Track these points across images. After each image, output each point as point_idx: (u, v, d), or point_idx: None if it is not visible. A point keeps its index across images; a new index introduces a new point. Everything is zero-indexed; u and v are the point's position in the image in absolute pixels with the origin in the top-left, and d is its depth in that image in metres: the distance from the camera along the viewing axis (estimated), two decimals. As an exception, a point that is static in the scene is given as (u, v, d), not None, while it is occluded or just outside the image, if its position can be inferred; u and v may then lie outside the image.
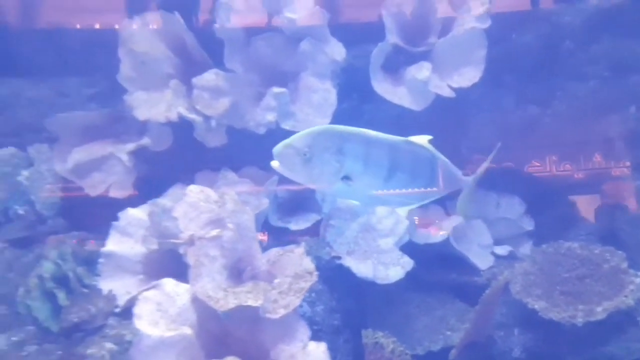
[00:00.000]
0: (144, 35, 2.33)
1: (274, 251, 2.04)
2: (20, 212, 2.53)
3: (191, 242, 1.69)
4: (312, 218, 2.52)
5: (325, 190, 1.73)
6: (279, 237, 2.50)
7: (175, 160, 2.61)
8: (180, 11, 2.37)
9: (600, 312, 2.02)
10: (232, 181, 2.40)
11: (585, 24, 2.70)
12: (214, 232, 1.72)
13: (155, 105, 2.35)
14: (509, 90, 2.76)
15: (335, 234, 2.48)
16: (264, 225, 2.49)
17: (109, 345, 1.66)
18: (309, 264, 1.94)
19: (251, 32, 2.50)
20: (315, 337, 1.74)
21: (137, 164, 2.48)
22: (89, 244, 2.37)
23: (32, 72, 2.71)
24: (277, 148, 1.54)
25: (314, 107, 2.37)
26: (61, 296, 2.01)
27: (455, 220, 2.60)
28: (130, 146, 2.38)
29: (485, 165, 1.89)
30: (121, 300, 2.05)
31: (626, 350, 2.09)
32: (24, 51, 2.68)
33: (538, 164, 2.86)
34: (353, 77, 2.57)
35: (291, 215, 2.59)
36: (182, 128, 2.48)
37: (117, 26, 2.58)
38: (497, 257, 2.61)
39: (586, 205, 2.90)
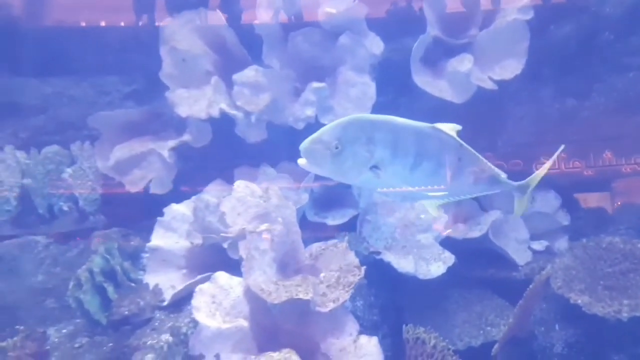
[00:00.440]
0: (185, 32, 2.36)
1: (316, 246, 2.06)
2: (65, 208, 2.59)
3: (242, 236, 1.71)
4: (349, 213, 2.52)
5: (352, 181, 1.60)
6: (314, 232, 2.51)
7: (212, 156, 2.63)
8: (220, 8, 2.39)
9: (646, 306, 1.99)
10: (271, 176, 2.42)
11: (625, 15, 2.65)
12: (264, 227, 1.73)
13: (196, 102, 2.37)
14: (547, 83, 2.72)
15: (371, 229, 2.48)
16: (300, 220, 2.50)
17: (165, 336, 1.70)
18: (353, 258, 1.96)
19: (289, 28, 2.51)
20: (355, 332, 1.74)
21: (176, 160, 2.50)
22: (132, 239, 2.42)
23: (74, 71, 2.77)
24: (304, 144, 1.47)
25: (352, 101, 2.37)
26: (110, 290, 2.06)
27: (493, 215, 2.58)
28: (172, 143, 2.41)
29: (544, 169, 1.72)
30: (167, 294, 2.08)
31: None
32: (65, 50, 2.73)
33: (575, 158, 2.82)
34: (389, 70, 2.57)
35: (327, 210, 2.60)
36: (218, 124, 2.52)
37: (156, 24, 2.63)
38: (534, 252, 2.58)
39: (625, 199, 2.86)
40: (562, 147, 1.78)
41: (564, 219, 2.71)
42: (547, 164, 1.75)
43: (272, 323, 1.75)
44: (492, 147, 2.67)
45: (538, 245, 2.61)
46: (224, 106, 2.29)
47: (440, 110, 2.51)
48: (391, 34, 2.59)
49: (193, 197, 2.22)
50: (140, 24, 2.80)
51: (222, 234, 1.90)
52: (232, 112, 2.30)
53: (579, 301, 2.14)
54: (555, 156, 1.80)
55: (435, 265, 2.29)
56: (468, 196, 1.71)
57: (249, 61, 2.48)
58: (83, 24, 2.84)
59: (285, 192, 2.34)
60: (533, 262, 2.50)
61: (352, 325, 1.72)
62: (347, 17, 2.36)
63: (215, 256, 2.20)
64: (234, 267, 2.14)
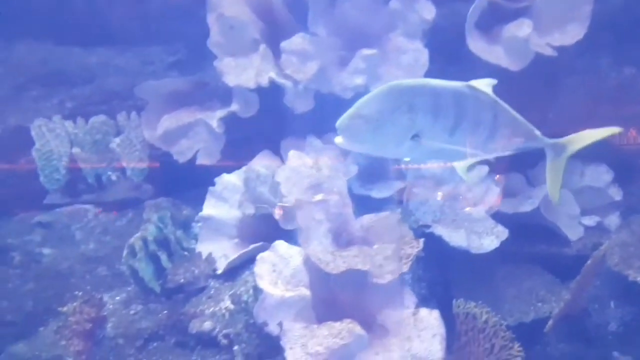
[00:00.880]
0: (233, -1, 2.30)
1: (367, 217, 2.02)
2: (113, 177, 2.61)
3: (298, 206, 1.69)
4: (395, 186, 2.47)
5: (392, 154, 1.54)
6: (358, 204, 2.48)
7: (256, 127, 2.61)
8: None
9: None
10: (318, 148, 2.37)
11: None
12: (319, 197, 1.71)
13: (244, 71, 2.33)
14: (604, 51, 2.59)
15: (418, 202, 2.43)
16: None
17: (225, 304, 1.70)
18: (406, 230, 1.93)
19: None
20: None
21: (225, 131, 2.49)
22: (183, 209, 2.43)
23: (117, 40, 2.75)
24: (342, 122, 1.37)
25: (403, 69, 2.30)
26: (164, 258, 2.08)
27: (545, 188, 2.50)
28: (220, 113, 2.39)
29: (589, 136, 1.56)
30: (219, 263, 2.09)
31: None
32: (109, 20, 2.71)
33: (633, 131, 2.69)
34: (437, 37, 2.48)
35: (372, 182, 2.56)
36: (263, 94, 2.48)
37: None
38: (585, 227, 2.50)
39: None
40: (619, 129, 1.62)
41: (616, 194, 2.60)
42: (595, 133, 1.60)
43: (328, 293, 1.74)
44: (543, 121, 2.58)
45: (589, 221, 2.52)
46: (273, 75, 2.24)
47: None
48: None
49: (244, 168, 2.20)
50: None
51: (278, 204, 1.88)
52: (281, 81, 2.26)
53: (639, 279, 2.07)
54: (606, 130, 1.61)
55: (488, 239, 2.24)
56: (503, 154, 1.59)
57: (295, 28, 2.42)
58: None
59: (333, 164, 2.32)
60: (585, 238, 2.42)
61: (409, 298, 1.70)
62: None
63: (265, 226, 2.19)
64: (284, 237, 2.12)
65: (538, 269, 2.40)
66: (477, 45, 2.25)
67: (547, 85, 2.59)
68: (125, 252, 2.12)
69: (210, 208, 2.17)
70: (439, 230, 2.27)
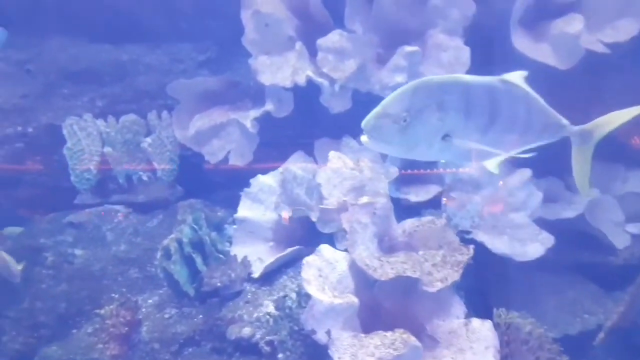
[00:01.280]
0: (270, -5, 2.24)
1: (410, 222, 1.95)
2: (144, 178, 2.57)
3: (341, 208, 1.62)
4: (433, 189, 2.39)
5: (422, 156, 1.41)
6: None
7: (289, 127, 2.55)
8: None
9: None
10: (354, 149, 2.31)
11: None
12: (365, 199, 1.64)
13: (279, 70, 2.27)
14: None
15: (456, 207, 2.35)
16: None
17: (267, 309, 1.64)
18: (453, 236, 1.85)
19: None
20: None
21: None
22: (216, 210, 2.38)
23: (148, 38, 2.71)
24: (368, 121, 1.29)
25: (444, 67, 2.22)
26: (199, 261, 2.02)
27: (591, 193, 2.41)
28: (254, 112, 2.33)
29: (616, 117, 1.46)
30: (255, 267, 2.03)
31: None
32: (140, 17, 2.67)
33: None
34: (475, 35, 2.39)
35: (409, 186, 2.48)
36: (296, 94, 2.42)
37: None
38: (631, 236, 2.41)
39: None
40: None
41: None
42: (622, 114, 1.46)
43: (372, 300, 1.67)
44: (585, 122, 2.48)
45: (634, 229, 2.42)
46: (310, 73, 2.18)
47: (532, 80, 2.33)
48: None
49: (280, 169, 2.14)
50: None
51: (321, 206, 1.81)
52: (319, 79, 2.19)
53: (695, 291, 1.97)
54: (634, 109, 1.47)
55: (533, 246, 2.14)
56: (534, 145, 1.47)
57: (331, 25, 2.35)
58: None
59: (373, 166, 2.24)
60: (632, 247, 2.32)
61: (459, 307, 1.63)
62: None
63: (301, 229, 2.13)
64: (321, 241, 2.06)
65: (580, 278, 2.31)
66: (522, 42, 2.16)
67: (592, 85, 2.49)
68: (159, 254, 2.07)
69: (245, 210, 2.12)
70: (481, 236, 2.19)
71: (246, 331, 1.68)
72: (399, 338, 1.42)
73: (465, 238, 2.20)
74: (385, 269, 1.56)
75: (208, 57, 2.78)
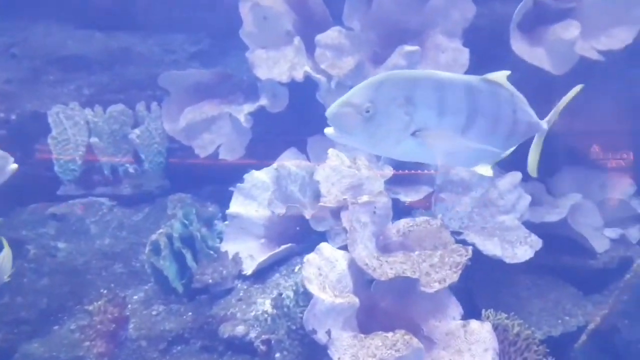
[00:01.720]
0: (268, -12, 2.20)
1: (404, 221, 1.93)
2: (130, 170, 2.49)
3: (343, 206, 1.59)
4: (424, 190, 2.38)
5: (391, 152, 1.35)
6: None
7: (281, 123, 2.51)
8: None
9: None
10: (349, 147, 2.27)
11: None
12: (365, 198, 1.61)
13: (275, 65, 2.24)
14: (638, 59, 2.52)
15: (445, 208, 2.35)
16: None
17: (266, 306, 1.60)
18: (448, 236, 1.84)
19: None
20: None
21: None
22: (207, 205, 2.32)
23: (141, 26, 2.64)
24: (331, 110, 1.23)
25: (442, 68, 2.21)
26: (189, 257, 1.97)
27: (572, 198, 2.44)
28: (249, 107, 2.29)
29: (560, 105, 1.46)
30: (246, 264, 1.99)
31: None
32: (133, 4, 2.59)
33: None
34: (473, 37, 2.40)
35: (400, 186, 2.47)
36: (290, 90, 2.38)
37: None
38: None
39: None
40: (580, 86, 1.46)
41: (639, 207, 2.55)
42: (563, 100, 1.47)
43: (369, 299, 1.65)
44: (568, 129, 2.50)
45: (612, 233, 2.47)
46: (308, 69, 2.14)
47: (523, 84, 2.34)
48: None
49: (274, 165, 2.10)
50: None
51: (320, 204, 1.78)
52: (317, 76, 2.16)
53: (677, 295, 2.00)
54: (570, 93, 1.47)
55: (522, 248, 2.14)
56: (514, 146, 1.43)
57: (329, 22, 2.33)
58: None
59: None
60: (611, 251, 2.35)
61: (455, 309, 1.61)
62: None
63: (293, 227, 2.09)
64: (313, 238, 2.04)
65: (560, 280, 2.33)
66: (520, 46, 2.16)
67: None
68: (147, 249, 2.01)
69: (237, 206, 2.07)
70: (472, 237, 2.18)
71: (239, 329, 1.64)
72: (401, 339, 1.40)
73: (456, 239, 2.20)
74: (385, 268, 1.54)
75: (200, 48, 2.72)
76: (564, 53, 2.15)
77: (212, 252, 2.00)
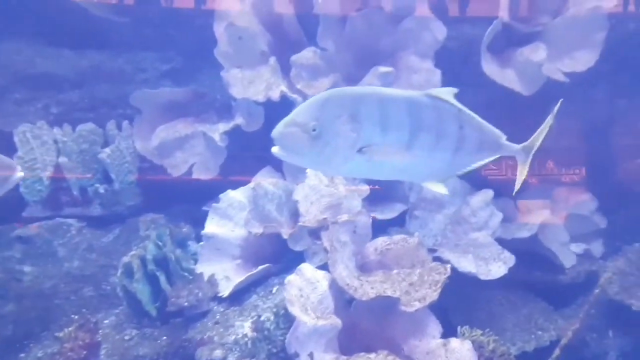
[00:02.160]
0: (244, 9, 2.21)
1: (381, 240, 1.94)
2: (101, 190, 2.43)
3: (324, 226, 1.59)
4: (398, 208, 2.41)
5: (340, 171, 1.34)
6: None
7: (254, 141, 2.50)
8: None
9: None
10: (324, 165, 2.29)
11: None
12: (345, 217, 1.61)
13: (250, 84, 2.24)
14: (601, 81, 2.63)
15: (418, 225, 2.37)
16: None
17: (246, 329, 1.57)
18: (425, 255, 1.86)
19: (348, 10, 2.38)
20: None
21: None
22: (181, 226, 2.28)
23: (112, 44, 2.59)
24: (277, 129, 1.21)
25: (415, 88, 2.24)
26: (162, 279, 1.92)
27: (543, 214, 2.51)
28: (224, 126, 2.27)
29: (541, 131, 1.47)
30: (222, 286, 1.95)
31: None
32: (103, 21, 2.55)
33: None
34: (443, 59, 2.46)
35: (375, 204, 2.49)
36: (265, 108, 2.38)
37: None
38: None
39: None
40: (561, 100, 1.49)
41: (601, 222, 2.64)
42: (541, 128, 1.49)
43: (349, 319, 1.64)
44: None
45: (577, 248, 2.55)
46: (284, 89, 2.15)
47: (494, 104, 2.40)
48: (447, 21, 2.48)
49: (251, 184, 2.09)
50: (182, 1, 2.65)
51: (299, 224, 1.77)
52: (293, 95, 2.17)
53: (643, 308, 2.08)
54: (546, 123, 1.50)
55: (496, 265, 2.19)
56: (472, 167, 1.44)
57: (304, 42, 2.35)
58: (123, -4, 2.67)
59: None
60: (578, 266, 2.41)
61: (435, 327, 1.62)
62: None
63: (270, 247, 2.08)
64: (290, 258, 2.02)
65: (532, 295, 2.38)
66: (490, 67, 2.23)
67: (544, 112, 2.60)
68: (119, 272, 1.95)
69: (213, 226, 2.04)
70: (447, 255, 2.21)
71: (217, 354, 1.60)
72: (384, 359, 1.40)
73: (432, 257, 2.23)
74: (366, 288, 1.54)
75: (172, 67, 2.69)
76: (533, 74, 2.24)
77: (186, 274, 1.96)
